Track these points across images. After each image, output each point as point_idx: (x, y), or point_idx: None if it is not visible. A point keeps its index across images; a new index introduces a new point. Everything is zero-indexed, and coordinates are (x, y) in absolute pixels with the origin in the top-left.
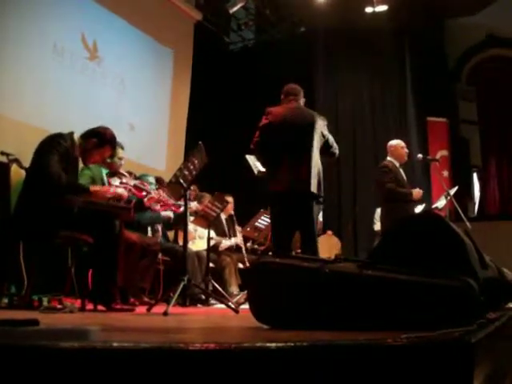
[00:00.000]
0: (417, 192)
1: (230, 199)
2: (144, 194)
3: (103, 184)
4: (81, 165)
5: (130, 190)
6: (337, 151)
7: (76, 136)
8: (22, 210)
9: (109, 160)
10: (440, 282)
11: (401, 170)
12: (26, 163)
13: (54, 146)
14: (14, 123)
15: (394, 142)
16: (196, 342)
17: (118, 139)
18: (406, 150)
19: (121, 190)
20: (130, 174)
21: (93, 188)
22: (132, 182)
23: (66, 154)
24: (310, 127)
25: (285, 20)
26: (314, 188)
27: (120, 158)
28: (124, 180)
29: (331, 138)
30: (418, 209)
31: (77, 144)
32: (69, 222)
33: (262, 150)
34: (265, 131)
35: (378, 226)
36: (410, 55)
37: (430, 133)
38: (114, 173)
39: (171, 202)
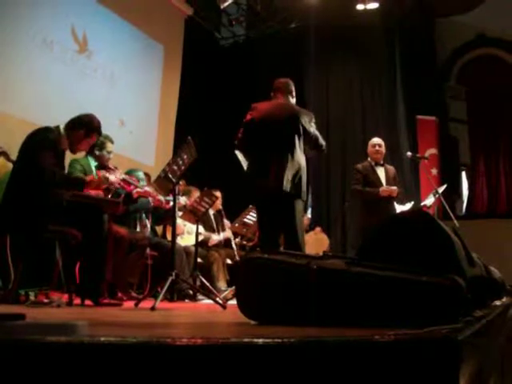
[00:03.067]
0: (383, 189)
1: (218, 194)
2: (132, 187)
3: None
4: (68, 158)
5: (118, 184)
6: (323, 145)
7: (62, 128)
8: (10, 203)
9: (97, 152)
10: (427, 280)
11: (377, 169)
12: (14, 156)
13: (44, 142)
14: (1, 116)
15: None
16: (183, 337)
17: (108, 134)
18: (377, 149)
19: (112, 177)
20: (117, 169)
21: (89, 178)
22: (120, 176)
23: (55, 148)
24: (293, 124)
25: (276, 16)
26: (293, 187)
27: (109, 152)
28: (112, 173)
29: (316, 134)
30: (407, 206)
31: (64, 137)
32: (57, 215)
33: (244, 147)
34: (248, 127)
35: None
36: (400, 53)
37: (420, 131)
38: (102, 166)
39: (159, 196)
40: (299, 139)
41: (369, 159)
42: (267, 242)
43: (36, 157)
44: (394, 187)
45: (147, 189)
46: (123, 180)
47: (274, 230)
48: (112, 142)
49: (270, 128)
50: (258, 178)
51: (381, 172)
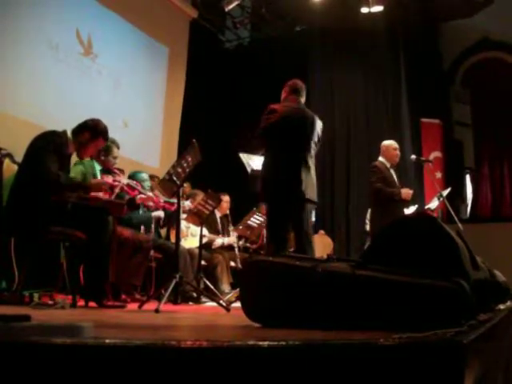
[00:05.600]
0: (405, 191)
1: (226, 198)
2: (136, 192)
3: None
4: (72, 160)
5: (122, 188)
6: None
7: (69, 132)
8: (14, 206)
9: (103, 157)
10: (432, 283)
11: (391, 171)
12: (19, 158)
13: (49, 145)
14: (6, 118)
15: (386, 143)
16: (188, 339)
17: (112, 136)
18: (398, 152)
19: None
20: (121, 171)
21: (91, 182)
22: (125, 181)
23: (60, 152)
24: (312, 130)
25: (280, 18)
26: (309, 191)
27: (115, 157)
28: (117, 178)
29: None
30: (411, 210)
31: (70, 141)
32: (62, 217)
33: (263, 142)
34: (268, 130)
35: (370, 227)
36: (405, 56)
37: (424, 134)
38: (107, 170)
39: (162, 202)
40: (313, 144)
41: (382, 160)
42: (276, 242)
43: (40, 160)
44: (411, 190)
45: (150, 194)
46: (127, 185)
47: (285, 230)
48: (118, 147)
49: (292, 132)
50: (274, 180)
51: (394, 174)
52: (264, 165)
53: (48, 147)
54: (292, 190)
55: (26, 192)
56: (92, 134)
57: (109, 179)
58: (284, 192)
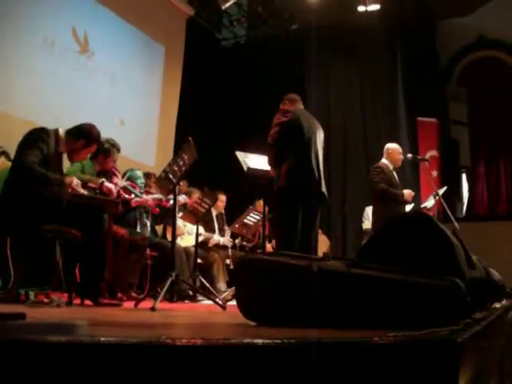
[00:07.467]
0: (408, 193)
1: (222, 198)
2: (132, 196)
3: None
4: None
5: (118, 191)
6: None
7: (61, 131)
8: (8, 203)
9: (102, 160)
10: (427, 282)
11: (394, 173)
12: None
13: (34, 140)
14: (2, 115)
15: (391, 146)
16: (183, 337)
17: (108, 134)
18: (402, 157)
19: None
20: (119, 173)
21: (68, 180)
22: (122, 183)
23: (47, 148)
24: (320, 131)
25: (277, 17)
26: (324, 188)
27: (114, 160)
28: (114, 180)
29: None
30: (407, 208)
31: (62, 140)
32: (57, 215)
33: (279, 147)
34: (285, 129)
35: (366, 225)
36: (401, 55)
37: (420, 133)
38: (104, 172)
39: (158, 208)
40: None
41: (386, 162)
42: (291, 244)
43: (20, 153)
44: (413, 192)
45: (146, 197)
46: (124, 188)
47: (296, 231)
48: (119, 151)
49: (308, 133)
50: (292, 180)
51: (396, 176)
52: (285, 163)
53: (31, 143)
54: (315, 189)
55: (18, 189)
56: (86, 141)
57: (106, 182)
58: (309, 190)
